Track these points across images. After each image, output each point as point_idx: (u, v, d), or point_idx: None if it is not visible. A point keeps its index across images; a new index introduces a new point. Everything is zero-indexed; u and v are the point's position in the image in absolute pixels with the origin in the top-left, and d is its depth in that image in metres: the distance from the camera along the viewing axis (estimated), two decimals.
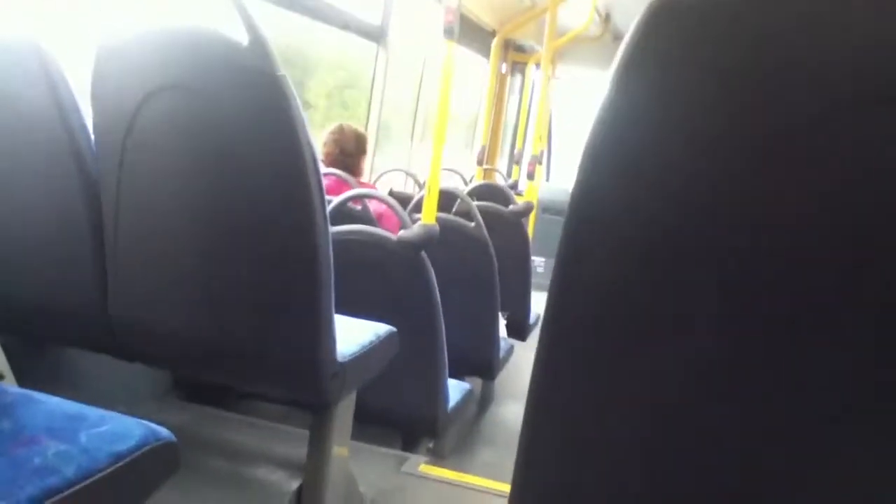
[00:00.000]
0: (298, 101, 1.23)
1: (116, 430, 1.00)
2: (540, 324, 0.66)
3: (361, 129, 3.15)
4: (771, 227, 0.53)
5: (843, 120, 0.50)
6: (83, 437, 0.96)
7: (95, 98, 1.35)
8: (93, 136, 1.38)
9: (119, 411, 1.08)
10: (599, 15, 4.88)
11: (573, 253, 0.59)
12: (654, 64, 0.55)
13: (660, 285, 0.57)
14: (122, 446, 0.97)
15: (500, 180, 4.98)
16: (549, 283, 0.61)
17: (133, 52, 1.30)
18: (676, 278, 0.56)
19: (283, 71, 1.21)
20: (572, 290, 0.60)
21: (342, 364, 1.43)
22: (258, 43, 1.20)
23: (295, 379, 1.46)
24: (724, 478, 0.58)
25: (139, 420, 1.05)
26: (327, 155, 2.92)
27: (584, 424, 0.62)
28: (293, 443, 1.91)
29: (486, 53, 4.99)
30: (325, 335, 1.37)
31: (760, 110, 0.52)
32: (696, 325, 0.57)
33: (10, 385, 1.21)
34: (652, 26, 0.54)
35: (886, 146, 0.49)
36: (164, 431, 1.04)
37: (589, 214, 0.58)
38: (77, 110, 1.37)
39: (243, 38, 1.21)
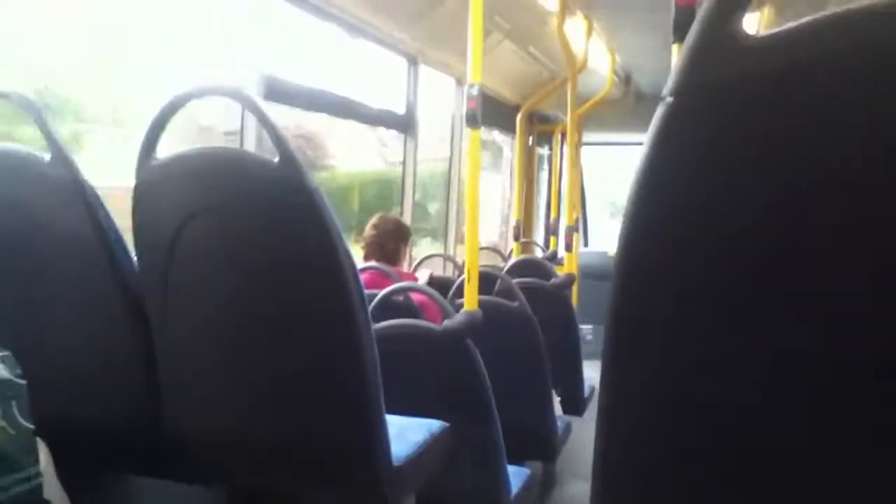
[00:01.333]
0: (332, 210, 1.25)
1: None
2: (596, 397, 0.66)
3: (396, 217, 3.20)
4: (813, 274, 0.56)
5: (871, 182, 0.53)
6: None
7: (138, 226, 1.38)
8: (135, 259, 1.42)
9: None
10: (619, 77, 4.93)
11: (625, 306, 0.61)
12: (687, 128, 0.59)
13: (714, 336, 0.59)
14: None
15: (538, 252, 4.97)
16: (600, 351, 0.62)
17: (170, 180, 1.34)
18: (727, 331, 0.58)
19: (316, 183, 1.24)
20: (628, 357, 0.61)
21: (398, 467, 1.41)
22: (288, 159, 1.23)
23: (352, 484, 1.45)
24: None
25: None
26: (368, 246, 2.98)
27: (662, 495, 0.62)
28: None
29: (511, 128, 5.05)
30: (377, 438, 1.36)
31: (789, 170, 0.55)
32: (749, 376, 0.58)
33: None
34: (683, 91, 0.58)
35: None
36: None
37: (633, 277, 0.61)
38: (119, 238, 1.41)
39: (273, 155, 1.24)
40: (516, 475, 2.28)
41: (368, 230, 3.02)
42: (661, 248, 0.59)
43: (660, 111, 0.58)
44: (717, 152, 0.58)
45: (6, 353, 1.24)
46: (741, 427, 0.59)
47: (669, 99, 0.58)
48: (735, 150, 0.57)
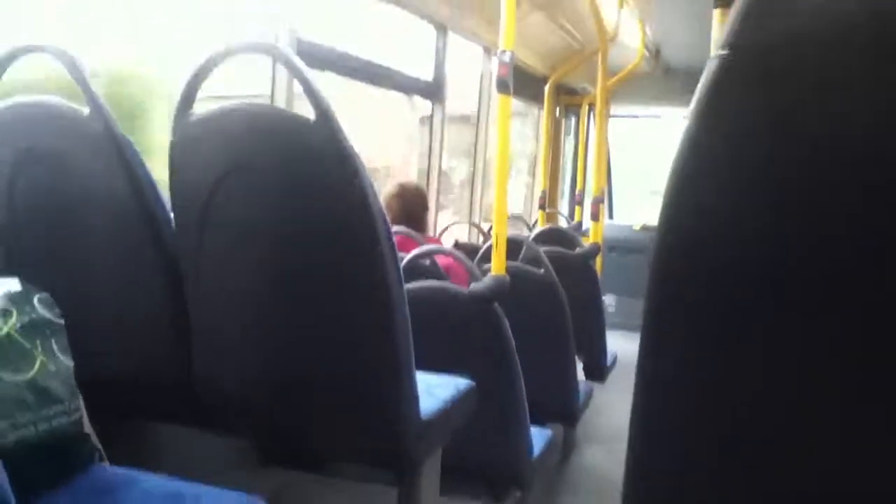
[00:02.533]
0: (366, 170, 1.27)
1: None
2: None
3: (419, 183, 3.15)
4: (849, 249, 0.53)
5: None
6: None
7: (174, 183, 1.40)
8: (172, 215, 1.44)
9: (209, 482, 1.10)
10: (649, 51, 4.87)
11: (665, 292, 0.60)
12: (730, 106, 0.56)
13: (750, 309, 0.57)
14: None
15: (562, 222, 4.96)
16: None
17: (206, 137, 1.35)
18: (764, 302, 0.57)
19: (351, 144, 1.25)
20: (665, 333, 0.60)
21: (426, 422, 1.43)
22: (325, 117, 1.24)
23: (381, 440, 1.47)
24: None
25: (235, 492, 1.07)
26: (390, 216, 2.92)
27: (698, 462, 0.61)
28: (382, 502, 1.91)
29: (537, 100, 5.03)
30: (406, 395, 1.38)
31: (828, 144, 0.53)
32: (792, 345, 0.57)
33: (109, 465, 1.25)
34: (724, 71, 0.55)
35: None
36: (259, 502, 1.06)
37: (676, 248, 0.59)
38: (157, 192, 1.43)
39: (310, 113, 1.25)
40: (539, 436, 2.31)
41: (389, 199, 2.95)
42: (697, 212, 0.58)
43: (711, 66, 0.56)
44: (775, 114, 0.55)
45: (44, 294, 1.27)
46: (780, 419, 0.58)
47: (723, 52, 0.56)
48: (793, 112, 0.54)
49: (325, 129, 1.24)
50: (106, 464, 1.27)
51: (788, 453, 0.58)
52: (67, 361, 1.18)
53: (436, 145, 3.83)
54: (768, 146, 0.55)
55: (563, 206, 6.15)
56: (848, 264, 0.53)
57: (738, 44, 0.55)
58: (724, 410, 0.59)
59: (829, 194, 0.53)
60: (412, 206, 2.97)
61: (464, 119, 4.46)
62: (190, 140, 1.37)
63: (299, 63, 1.28)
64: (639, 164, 6.55)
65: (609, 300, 4.48)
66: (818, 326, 0.55)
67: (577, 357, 2.78)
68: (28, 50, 1.44)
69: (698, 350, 0.59)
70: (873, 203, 0.52)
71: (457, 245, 3.36)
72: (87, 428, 1.24)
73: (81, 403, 1.19)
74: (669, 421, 0.61)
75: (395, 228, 2.66)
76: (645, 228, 5.55)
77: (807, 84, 0.53)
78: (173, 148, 1.38)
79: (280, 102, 2.52)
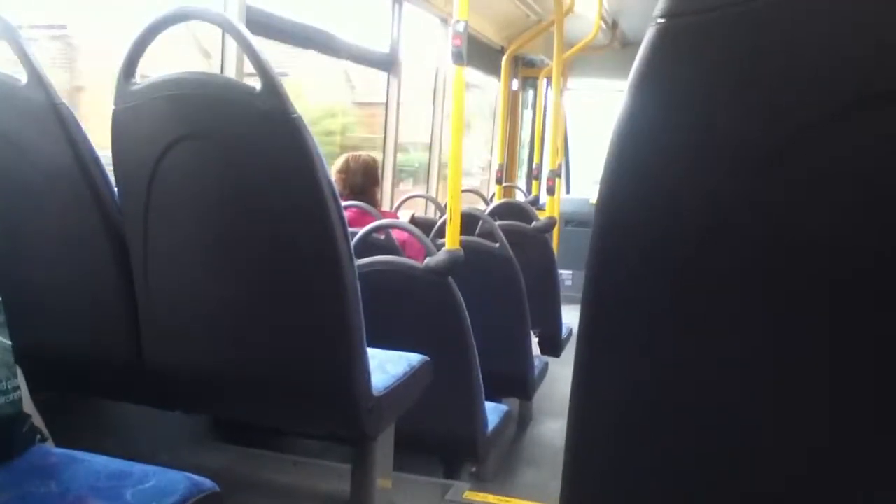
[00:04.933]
0: (315, 140, 1.24)
1: (161, 485, 1.00)
2: (574, 339, 0.65)
3: (369, 156, 3.04)
4: (787, 225, 0.54)
5: (849, 119, 0.50)
6: (129, 495, 0.97)
7: (116, 153, 1.36)
8: (115, 189, 1.40)
9: (160, 460, 1.08)
10: (606, 23, 4.88)
11: (603, 263, 0.59)
12: (666, 75, 0.56)
13: (688, 288, 0.57)
14: (167, 501, 0.97)
15: (520, 197, 4.97)
16: (579, 295, 0.61)
17: (149, 105, 1.31)
18: (701, 280, 0.56)
19: (298, 112, 1.22)
20: (605, 300, 0.60)
21: (378, 397, 1.43)
22: (271, 86, 1.21)
23: (332, 415, 1.46)
24: (776, 480, 0.57)
25: (183, 473, 1.05)
26: (338, 188, 2.78)
27: (631, 437, 0.61)
28: (336, 478, 1.90)
29: (495, 72, 5.00)
30: (358, 369, 1.37)
31: (768, 114, 0.53)
32: (730, 326, 0.57)
33: (52, 446, 1.22)
34: (661, 38, 0.55)
35: (890, 139, 0.50)
36: (207, 482, 1.04)
37: (614, 224, 0.59)
38: (99, 164, 1.38)
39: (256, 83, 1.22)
40: (493, 411, 2.32)
41: (335, 175, 2.85)
42: (635, 188, 0.58)
43: (648, 35, 0.55)
44: (710, 81, 0.55)
45: None
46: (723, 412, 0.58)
47: (660, 20, 0.55)
48: (727, 77, 0.54)
49: (272, 98, 1.21)
50: (50, 444, 1.23)
51: (716, 414, 0.58)
52: (4, 340, 1.14)
53: (391, 118, 3.79)
54: (703, 113, 0.55)
55: (522, 180, 6.16)
56: (785, 228, 0.54)
57: (674, 11, 0.54)
58: (656, 377, 0.59)
59: (766, 160, 0.53)
60: (362, 179, 2.89)
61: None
62: (133, 109, 1.33)
63: (244, 31, 1.25)
64: (600, 139, 6.57)
65: (565, 274, 4.50)
66: (753, 291, 0.55)
67: (532, 331, 2.79)
68: None
69: (637, 315, 0.59)
70: (801, 168, 0.52)
71: (413, 220, 3.34)
72: (29, 408, 1.20)
73: (21, 383, 1.15)
74: (606, 389, 0.62)
75: (350, 203, 2.65)
76: None
77: (741, 50, 0.53)
78: (116, 117, 1.34)
79: (230, 74, 2.46)
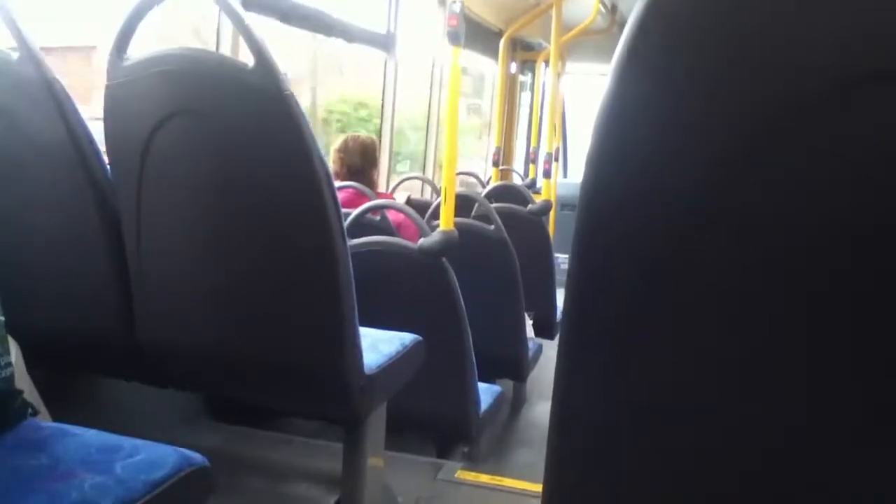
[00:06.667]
0: (307, 118, 1.24)
1: (151, 458, 1.00)
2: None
3: (368, 137, 3.06)
4: (772, 212, 0.53)
5: (839, 99, 0.50)
6: (118, 468, 0.97)
7: (108, 129, 1.36)
8: (108, 166, 1.40)
9: (153, 437, 1.08)
10: (605, 7, 4.85)
11: (586, 248, 0.59)
12: (653, 55, 0.55)
13: (669, 272, 0.56)
14: (157, 474, 0.97)
15: (517, 180, 4.96)
16: None
17: (141, 81, 1.31)
18: (682, 265, 0.56)
19: (290, 89, 1.22)
20: (588, 286, 0.60)
21: (369, 376, 1.43)
22: (264, 63, 1.21)
23: (324, 394, 1.47)
24: (751, 475, 0.57)
25: (173, 447, 1.05)
26: (335, 174, 2.79)
27: (611, 423, 0.62)
28: (328, 457, 1.91)
29: (493, 54, 4.98)
30: (350, 348, 1.37)
31: (757, 94, 0.52)
32: (709, 319, 0.56)
33: (44, 420, 1.22)
34: (647, 19, 0.54)
35: (881, 123, 0.49)
36: (197, 457, 1.05)
37: (598, 208, 0.58)
38: (92, 141, 1.38)
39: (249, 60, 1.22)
40: (487, 392, 2.33)
41: (334, 155, 2.86)
42: (620, 171, 0.57)
43: (631, 20, 0.54)
44: (705, 60, 0.54)
45: None
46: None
47: (644, 5, 0.54)
48: (724, 56, 0.53)
49: (264, 75, 1.21)
50: (41, 419, 1.24)
51: (697, 409, 0.58)
52: None
53: (388, 99, 3.78)
54: (690, 94, 0.54)
55: (518, 164, 6.15)
56: (767, 218, 0.53)
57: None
58: (634, 361, 0.59)
59: (755, 144, 0.52)
60: (355, 163, 2.88)
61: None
62: (126, 85, 1.33)
63: (237, 7, 1.25)
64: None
65: (561, 258, 4.51)
66: (735, 279, 0.55)
67: (527, 314, 2.80)
68: None
69: (616, 297, 0.59)
70: (789, 153, 0.51)
71: (409, 201, 3.33)
72: (22, 383, 1.21)
73: (13, 359, 1.16)
74: (587, 371, 0.62)
75: (345, 184, 2.65)
76: None
77: (730, 30, 0.53)
78: (108, 92, 1.33)
79: (225, 52, 2.45)
